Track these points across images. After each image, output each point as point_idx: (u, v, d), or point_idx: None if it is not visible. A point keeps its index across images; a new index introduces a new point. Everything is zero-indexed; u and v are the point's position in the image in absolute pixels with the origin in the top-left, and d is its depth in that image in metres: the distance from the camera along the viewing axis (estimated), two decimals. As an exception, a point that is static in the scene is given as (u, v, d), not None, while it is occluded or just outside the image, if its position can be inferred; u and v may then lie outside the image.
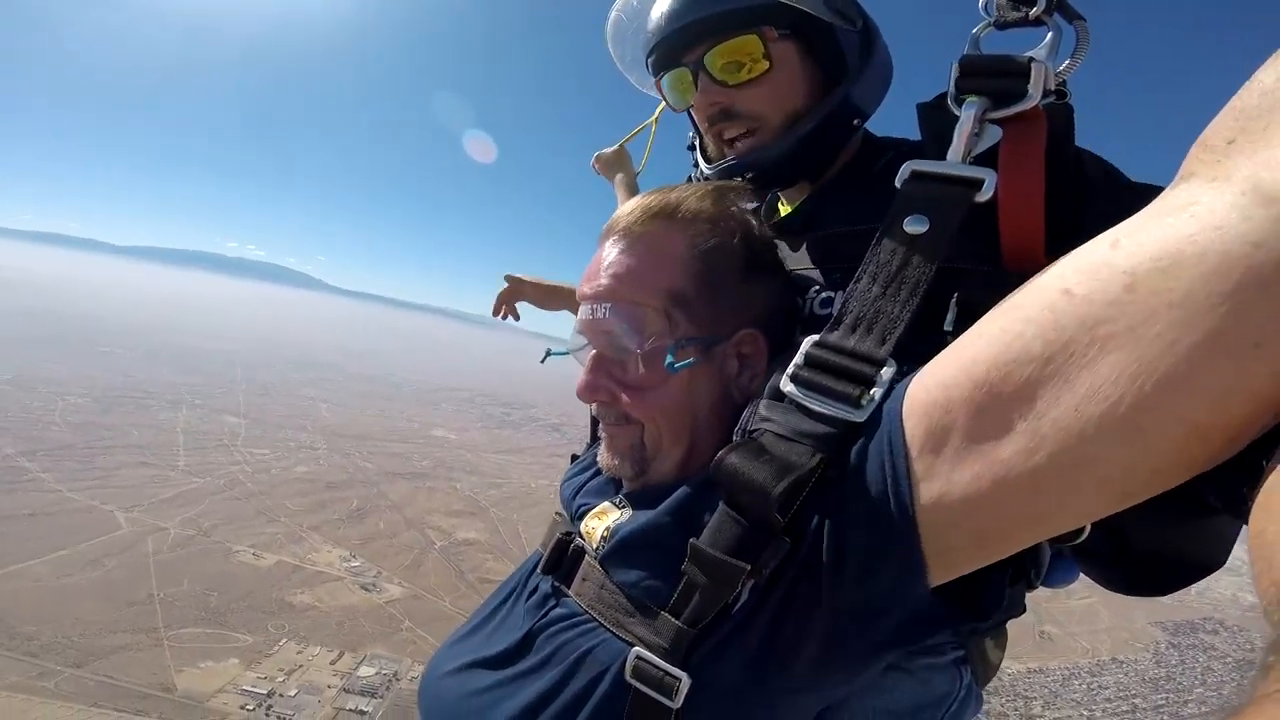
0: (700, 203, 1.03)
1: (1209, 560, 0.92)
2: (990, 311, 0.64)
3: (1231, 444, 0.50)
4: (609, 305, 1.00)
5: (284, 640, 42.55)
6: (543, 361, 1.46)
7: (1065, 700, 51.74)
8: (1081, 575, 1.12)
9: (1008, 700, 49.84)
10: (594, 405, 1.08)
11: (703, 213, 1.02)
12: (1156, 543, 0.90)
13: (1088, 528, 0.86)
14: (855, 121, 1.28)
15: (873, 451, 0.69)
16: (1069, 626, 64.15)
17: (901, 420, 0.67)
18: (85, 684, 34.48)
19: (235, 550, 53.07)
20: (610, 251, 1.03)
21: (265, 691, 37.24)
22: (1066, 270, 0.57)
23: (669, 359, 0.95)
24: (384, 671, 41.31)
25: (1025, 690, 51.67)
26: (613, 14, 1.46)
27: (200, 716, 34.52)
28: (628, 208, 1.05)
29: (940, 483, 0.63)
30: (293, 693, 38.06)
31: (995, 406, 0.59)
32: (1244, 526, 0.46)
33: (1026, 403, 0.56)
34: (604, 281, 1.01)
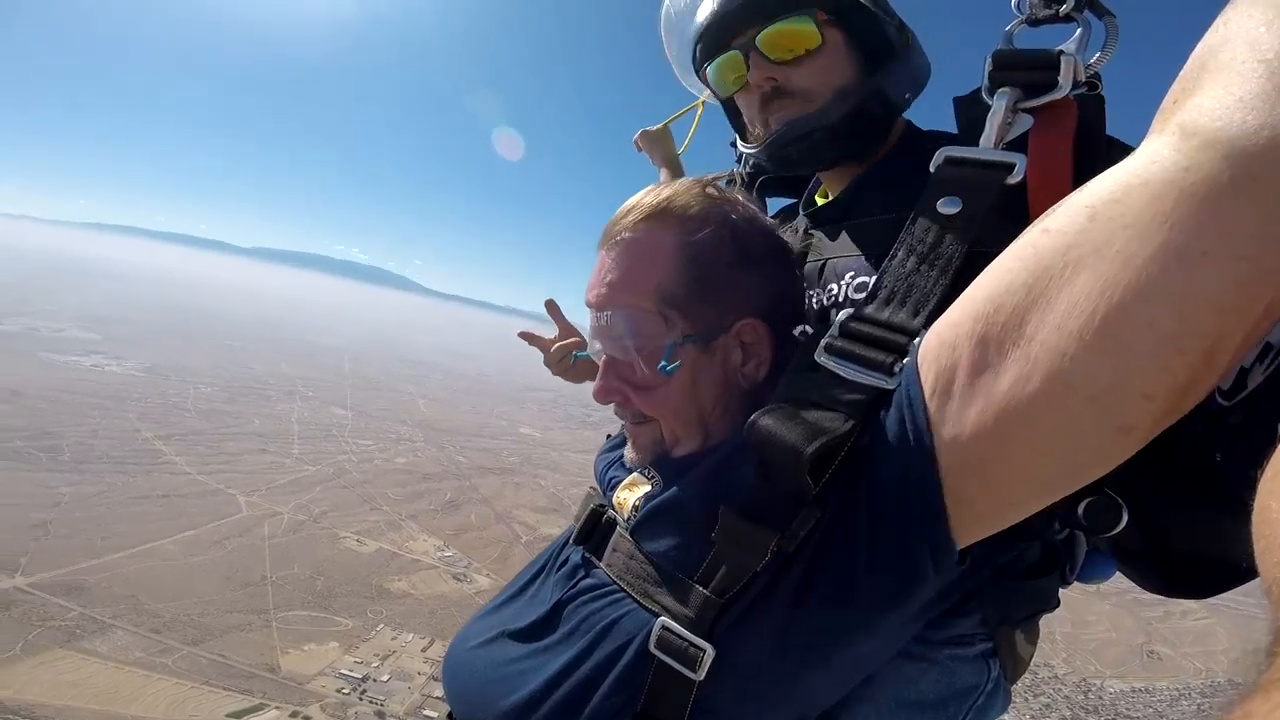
0: (688, 198, 1.04)
1: (1253, 565, 1.02)
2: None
3: (1211, 361, 0.54)
4: (609, 312, 1.03)
5: (380, 626, 44.27)
6: (573, 364, 1.76)
7: (1171, 721, 48.14)
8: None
9: (1107, 719, 46.07)
10: (614, 406, 1.11)
11: (690, 208, 1.03)
12: (1198, 544, 0.91)
13: (1124, 518, 0.88)
14: (907, 96, 1.30)
15: (894, 411, 0.71)
16: (1181, 647, 59.25)
17: (917, 370, 0.70)
18: (199, 662, 36.98)
19: (341, 536, 55.90)
20: (606, 259, 1.06)
21: (360, 676, 38.71)
22: (1047, 215, 0.63)
23: (661, 362, 0.98)
24: (471, 663, 41.86)
25: (1127, 710, 48.44)
26: (664, 6, 1.54)
27: (300, 698, 36.27)
28: (621, 211, 1.07)
29: (952, 425, 0.65)
30: (385, 678, 39.42)
31: (991, 336, 0.62)
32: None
33: (1016, 329, 0.60)
34: (603, 290, 1.04)
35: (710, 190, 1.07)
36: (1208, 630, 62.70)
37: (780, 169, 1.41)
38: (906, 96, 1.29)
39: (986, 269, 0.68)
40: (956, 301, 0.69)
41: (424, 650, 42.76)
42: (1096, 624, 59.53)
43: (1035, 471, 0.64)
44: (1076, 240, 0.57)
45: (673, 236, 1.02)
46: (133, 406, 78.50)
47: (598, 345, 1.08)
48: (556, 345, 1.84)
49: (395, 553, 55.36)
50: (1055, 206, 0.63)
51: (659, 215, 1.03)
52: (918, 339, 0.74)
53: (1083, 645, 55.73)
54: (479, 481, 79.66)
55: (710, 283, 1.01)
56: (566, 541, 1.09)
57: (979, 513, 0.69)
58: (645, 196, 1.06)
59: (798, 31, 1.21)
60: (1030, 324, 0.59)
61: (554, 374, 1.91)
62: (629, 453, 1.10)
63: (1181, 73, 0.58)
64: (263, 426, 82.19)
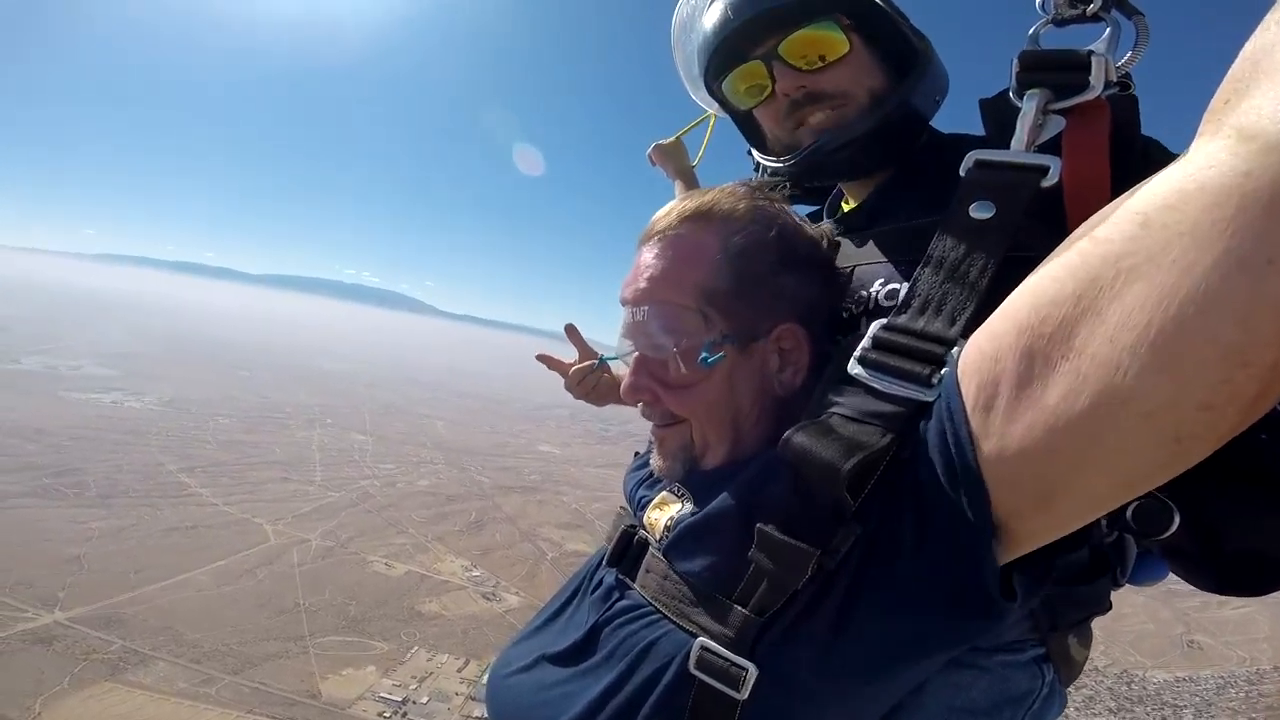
0: (733, 202, 1.04)
1: None
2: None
3: (1275, 371, 0.51)
4: (647, 307, 1.02)
5: (415, 648, 43.98)
6: (594, 369, 1.64)
7: (1220, 709, 48.17)
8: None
9: (1153, 709, 46.15)
10: (640, 407, 1.09)
11: (735, 211, 1.03)
12: (1254, 542, 0.87)
13: (1176, 520, 0.83)
14: (937, 100, 1.28)
15: (934, 421, 0.69)
16: (1223, 636, 59.36)
17: (958, 382, 0.67)
18: (242, 690, 36.67)
19: (370, 560, 55.63)
20: (646, 255, 1.05)
21: (400, 699, 38.41)
22: (1092, 221, 0.60)
23: (703, 354, 0.97)
24: (509, 682, 41.76)
25: (1173, 699, 48.24)
26: (675, 17, 1.47)
27: (343, 723, 35.77)
28: (663, 211, 1.07)
29: (996, 439, 0.63)
30: (425, 700, 39.12)
31: (1038, 349, 0.59)
32: None
33: (1065, 341, 0.57)
34: (641, 285, 1.03)
35: (756, 194, 1.07)
36: (1248, 619, 62.64)
37: (814, 179, 1.35)
38: (936, 101, 1.27)
39: (1028, 277, 0.65)
40: (997, 311, 0.67)
41: (460, 670, 42.47)
42: (1132, 616, 60.10)
43: (1086, 486, 0.62)
44: (1128, 248, 0.54)
45: (716, 236, 1.01)
46: (154, 440, 78.70)
47: (629, 344, 1.06)
48: (576, 367, 1.82)
49: (424, 575, 55.12)
50: (1101, 212, 0.61)
51: (703, 215, 1.02)
52: (955, 349, 0.72)
53: (1120, 637, 56.06)
54: (502, 500, 79.35)
55: (752, 285, 1.00)
56: (599, 563, 1.06)
57: (1027, 527, 0.66)
58: (690, 198, 1.05)
59: (823, 38, 1.18)
60: (1079, 336, 0.56)
61: (576, 397, 1.87)
62: (655, 460, 1.07)
63: (1231, 72, 0.56)
64: (284, 455, 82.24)
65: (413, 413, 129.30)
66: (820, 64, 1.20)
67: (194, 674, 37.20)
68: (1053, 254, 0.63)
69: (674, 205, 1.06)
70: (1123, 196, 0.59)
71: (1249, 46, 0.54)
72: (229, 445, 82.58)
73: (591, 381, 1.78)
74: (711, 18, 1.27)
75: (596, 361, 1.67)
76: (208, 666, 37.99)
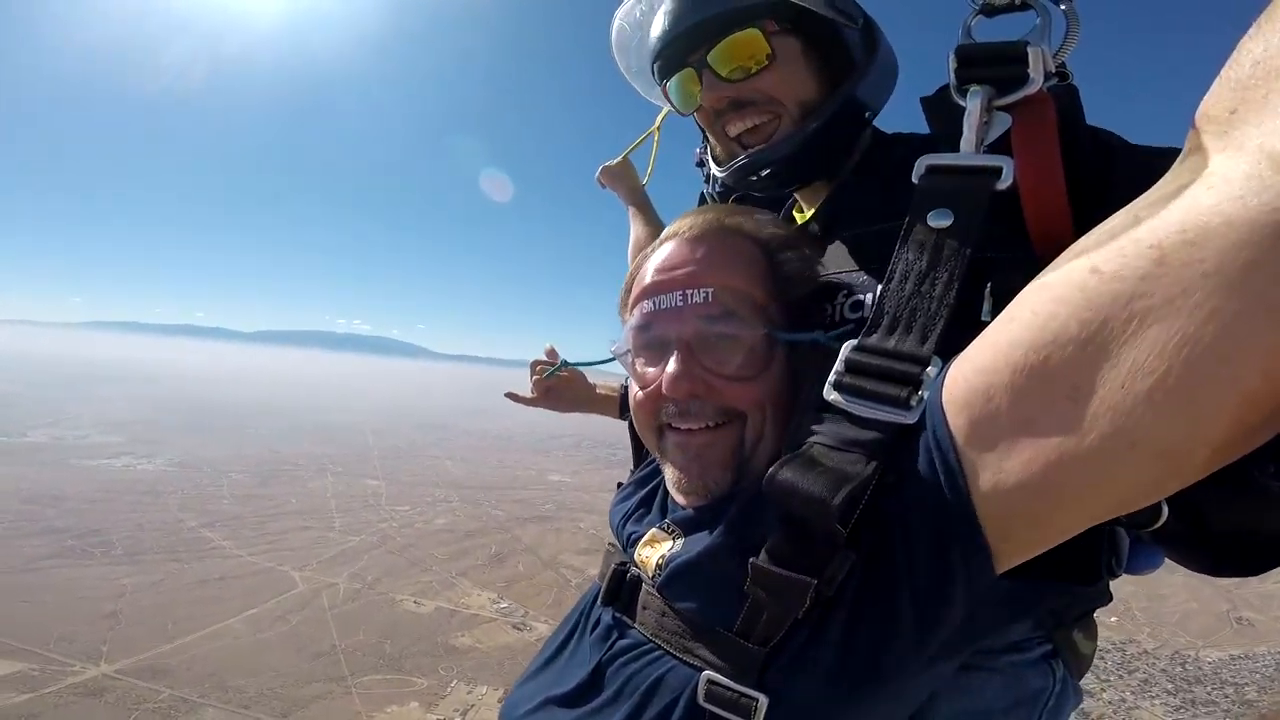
0: (761, 221, 1.07)
1: None
2: (1019, 295, 0.62)
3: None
4: (710, 289, 0.96)
5: (454, 682, 43.93)
6: (556, 368, 1.57)
7: (1285, 685, 46.61)
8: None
9: (1214, 688, 45.29)
10: (669, 411, 0.98)
11: (764, 229, 1.05)
12: (1237, 521, 0.83)
13: (1165, 513, 0.82)
14: (866, 115, 1.26)
15: (922, 450, 0.67)
16: (1271, 611, 58.01)
17: (943, 412, 0.66)
18: (293, 732, 36.75)
19: (399, 599, 55.68)
20: (696, 246, 1.00)
21: (448, 732, 38.20)
22: (1090, 248, 0.56)
23: (778, 334, 0.95)
24: (550, 708, 41.91)
25: (1232, 677, 47.27)
26: (615, 23, 1.43)
27: (397, 760, 35.66)
28: (695, 218, 1.05)
29: (992, 472, 0.61)
30: (469, 732, 39.04)
31: (1038, 390, 0.57)
32: None
33: (1070, 384, 0.55)
34: (698, 268, 0.98)
35: (776, 220, 1.11)
36: None
37: (751, 189, 1.38)
38: (876, 104, 1.27)
39: (1020, 300, 0.62)
40: (984, 341, 0.64)
41: (500, 701, 42.29)
42: (1173, 596, 58.81)
43: (1083, 509, 0.61)
44: (1142, 288, 0.50)
45: (758, 247, 1.02)
46: (171, 499, 78.62)
47: (671, 332, 0.97)
48: (535, 362, 1.86)
49: (454, 610, 55.04)
50: (1099, 235, 0.56)
51: (737, 230, 1.03)
52: (930, 368, 0.71)
53: (1165, 618, 54.86)
54: (519, 532, 79.35)
55: (791, 298, 1.01)
56: (594, 600, 1.05)
57: (1020, 544, 0.65)
58: (715, 212, 1.06)
59: (745, 45, 1.19)
60: (1087, 380, 0.53)
61: (530, 401, 1.90)
62: (684, 483, 0.97)
63: (1231, 76, 0.51)
64: (300, 505, 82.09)
65: (421, 455, 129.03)
66: (745, 73, 1.20)
67: (244, 718, 37.33)
68: (1045, 274, 0.60)
69: (700, 216, 1.05)
70: (1120, 215, 0.56)
71: (1254, 48, 0.50)
72: (245, 499, 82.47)
73: (547, 379, 1.84)
74: (656, 26, 1.28)
75: (560, 363, 1.62)
76: (256, 710, 38.09)
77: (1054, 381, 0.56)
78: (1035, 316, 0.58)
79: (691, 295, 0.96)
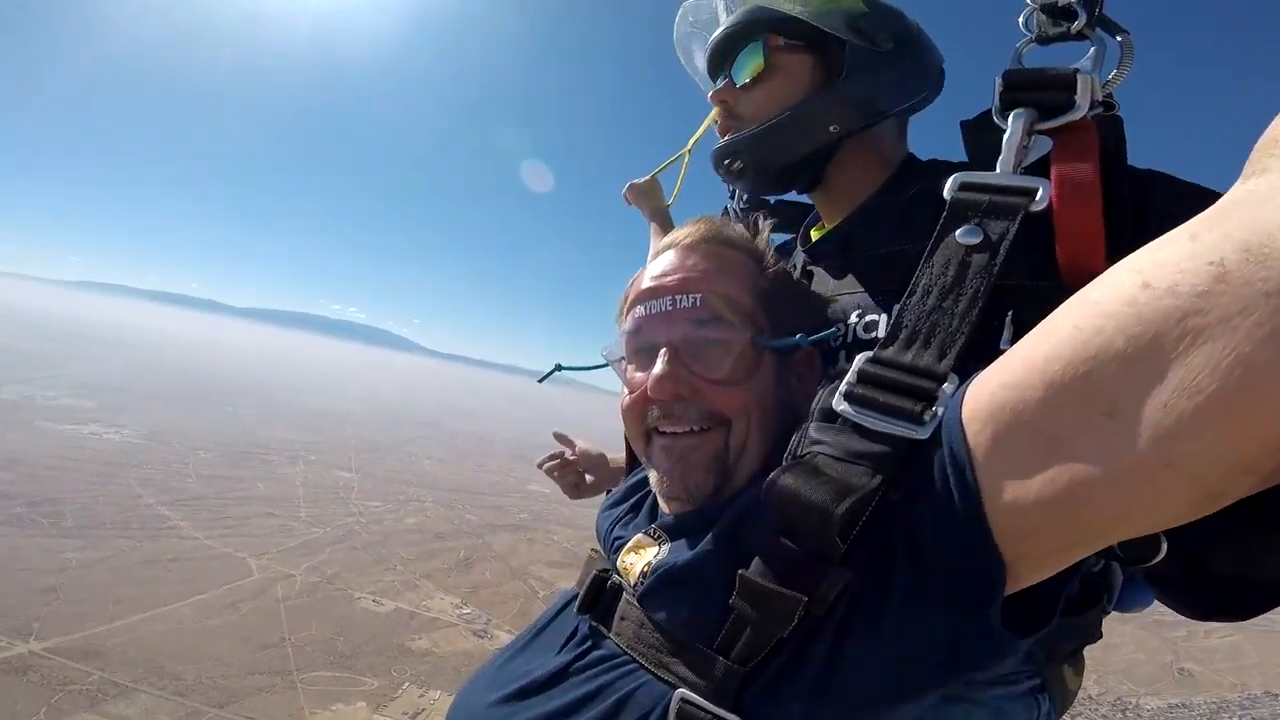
0: (752, 234, 1.12)
1: None
2: (1058, 310, 0.61)
3: None
4: (699, 295, 0.98)
5: (406, 684, 42.37)
6: (570, 369, 1.40)
7: (1217, 733, 48.63)
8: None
9: None
10: (654, 414, 0.99)
11: (756, 243, 1.10)
12: (1239, 566, 0.82)
13: (1164, 548, 0.83)
14: (832, 129, 1.25)
15: (936, 467, 0.65)
16: (1212, 664, 60.40)
17: (963, 428, 0.64)
18: (229, 724, 34.79)
19: (357, 597, 53.89)
20: (689, 254, 1.04)
21: (392, 737, 36.49)
22: (1142, 264, 0.54)
23: (781, 337, 0.97)
24: None
25: None
26: (681, 29, 1.59)
27: (335, 761, 33.92)
28: (691, 228, 1.08)
29: (1011, 491, 0.59)
30: (417, 739, 37.34)
31: (1074, 406, 0.55)
32: None
33: (1109, 401, 0.53)
34: (690, 275, 1.00)
35: (764, 232, 1.14)
36: (1235, 646, 63.34)
37: (731, 183, 1.48)
38: (847, 123, 1.25)
39: (1061, 314, 0.60)
40: (1017, 356, 0.62)
41: (452, 708, 41.17)
42: (1122, 646, 60.89)
43: (1103, 530, 0.60)
44: (1198, 304, 0.49)
45: (750, 259, 1.06)
46: (134, 473, 76.24)
47: (644, 340, 1.01)
48: (541, 463, 2.06)
49: (414, 612, 53.39)
50: (1152, 252, 0.55)
51: (730, 241, 1.06)
52: (946, 384, 0.69)
53: (1112, 666, 56.62)
54: (491, 539, 77.59)
55: (782, 308, 1.03)
56: (564, 606, 1.03)
57: (1030, 566, 0.63)
58: (710, 224, 1.09)
59: (751, 58, 1.28)
60: (1128, 399, 0.52)
61: (573, 496, 2.03)
62: (669, 487, 0.97)
63: None
64: (267, 491, 79.99)
65: (400, 450, 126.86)
66: (745, 79, 1.30)
67: (178, 707, 35.39)
68: (1089, 289, 0.58)
69: (699, 225, 1.07)
70: (1174, 234, 0.54)
71: None
72: (210, 479, 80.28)
73: (569, 477, 1.99)
74: (716, 30, 1.37)
75: (554, 367, 1.56)
76: (192, 699, 36.16)
77: (1092, 398, 0.54)
78: (1078, 331, 0.56)
79: (681, 300, 0.98)
